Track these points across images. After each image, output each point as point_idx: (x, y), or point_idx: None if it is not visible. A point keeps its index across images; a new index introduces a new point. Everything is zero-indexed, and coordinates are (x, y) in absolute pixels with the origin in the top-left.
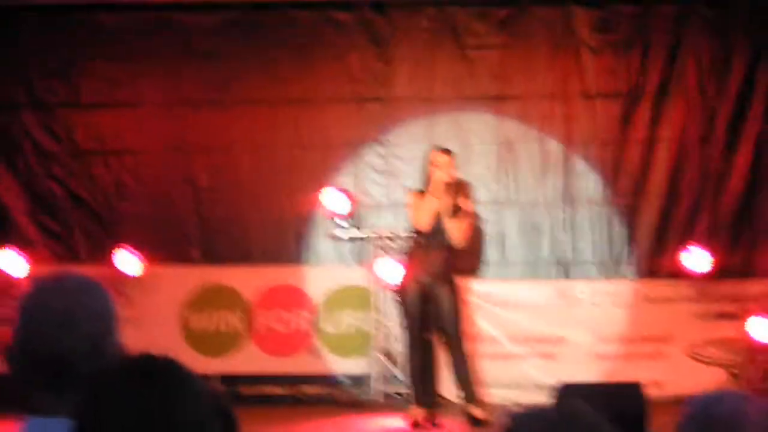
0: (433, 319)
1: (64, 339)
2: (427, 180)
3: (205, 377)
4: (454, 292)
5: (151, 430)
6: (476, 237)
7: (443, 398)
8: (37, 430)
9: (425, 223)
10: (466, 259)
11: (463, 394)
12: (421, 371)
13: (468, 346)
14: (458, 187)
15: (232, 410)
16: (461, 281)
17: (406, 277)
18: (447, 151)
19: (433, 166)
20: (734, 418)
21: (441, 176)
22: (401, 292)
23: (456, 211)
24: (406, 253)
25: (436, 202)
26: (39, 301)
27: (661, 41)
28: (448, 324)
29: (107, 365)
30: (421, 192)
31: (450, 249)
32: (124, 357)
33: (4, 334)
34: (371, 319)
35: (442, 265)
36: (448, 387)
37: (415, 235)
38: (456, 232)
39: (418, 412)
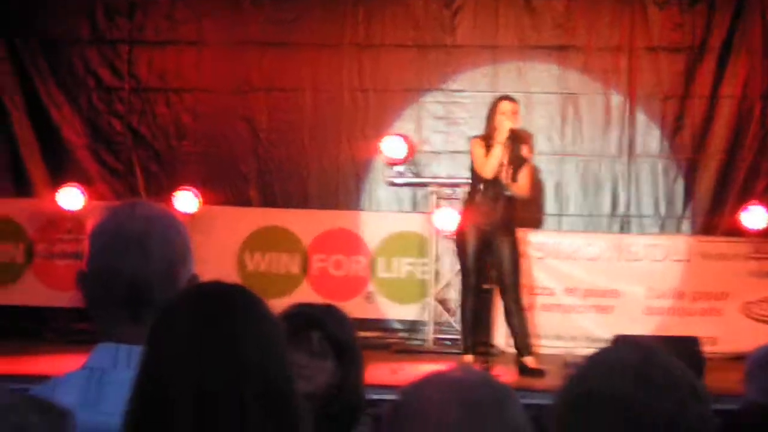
0: (492, 269)
1: (139, 264)
2: (490, 127)
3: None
4: (514, 243)
5: (222, 352)
6: (537, 189)
7: (497, 347)
8: (108, 355)
9: (490, 172)
10: (528, 210)
11: (517, 345)
12: (474, 319)
13: (524, 298)
14: (522, 137)
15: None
16: (521, 233)
17: (465, 224)
18: (513, 100)
19: (498, 114)
20: None
21: (508, 125)
22: (460, 239)
23: (521, 161)
24: (466, 201)
25: (502, 151)
26: (114, 228)
27: None
28: (507, 275)
29: (179, 292)
30: (483, 139)
31: (512, 199)
32: (195, 284)
33: (66, 268)
34: (427, 266)
35: (504, 215)
36: (501, 336)
37: (477, 183)
38: (520, 182)
39: (470, 360)
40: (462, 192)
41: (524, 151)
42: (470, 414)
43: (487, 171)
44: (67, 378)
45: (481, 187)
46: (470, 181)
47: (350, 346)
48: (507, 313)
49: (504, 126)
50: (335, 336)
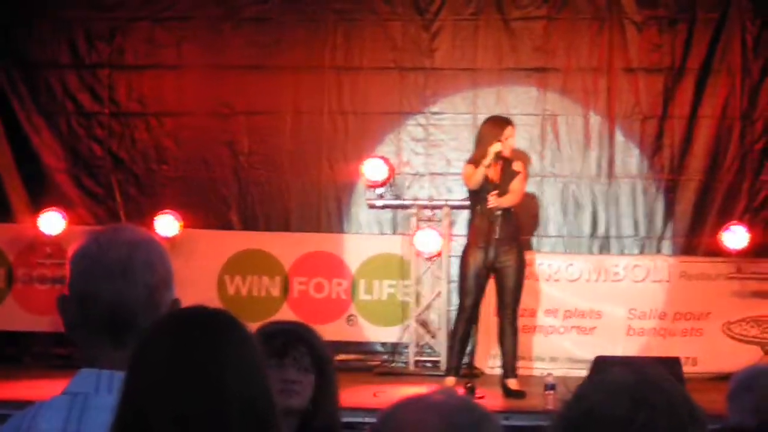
0: (497, 288)
1: (121, 289)
2: (483, 149)
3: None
4: (520, 263)
5: (202, 377)
6: (534, 204)
7: (479, 369)
8: (89, 380)
9: (474, 184)
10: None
11: (503, 366)
12: (463, 342)
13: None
14: (515, 156)
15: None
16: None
17: (468, 245)
18: (511, 123)
19: (504, 138)
20: None
21: (496, 147)
22: (463, 260)
23: (511, 175)
24: (469, 222)
25: (484, 170)
26: (96, 252)
27: (705, 18)
28: (508, 293)
29: (161, 317)
30: (473, 161)
31: (514, 218)
32: (176, 309)
33: (46, 292)
34: (408, 288)
35: (505, 232)
36: (484, 358)
37: (474, 205)
38: (513, 187)
39: (452, 382)
40: (442, 214)
41: (516, 166)
42: None
43: (471, 183)
44: (50, 403)
45: (479, 208)
46: (469, 202)
47: (330, 360)
48: (501, 333)
49: (493, 148)
50: (318, 351)
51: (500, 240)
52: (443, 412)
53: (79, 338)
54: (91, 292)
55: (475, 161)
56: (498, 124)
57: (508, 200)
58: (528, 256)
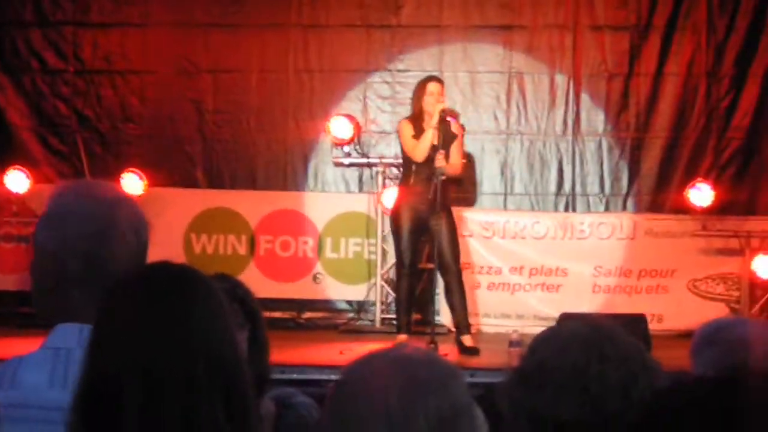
0: (432, 249)
1: (102, 243)
2: (417, 108)
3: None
4: (451, 222)
5: (169, 332)
6: (470, 167)
7: (443, 326)
8: (71, 335)
9: (421, 156)
10: (462, 189)
11: (455, 323)
12: (408, 298)
13: (467, 276)
14: (450, 115)
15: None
16: (459, 211)
17: (400, 205)
18: (439, 80)
19: (426, 95)
20: (747, 340)
21: (438, 106)
22: (395, 219)
23: (452, 138)
24: (400, 182)
25: (433, 133)
26: (73, 206)
27: None
28: (446, 254)
29: (127, 273)
30: (412, 120)
31: (447, 179)
32: (141, 265)
33: (12, 251)
34: (374, 246)
35: (438, 195)
36: (447, 315)
37: (409, 165)
38: (452, 160)
39: (403, 339)
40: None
41: (454, 128)
42: (414, 391)
43: (418, 155)
44: (29, 357)
45: (414, 168)
46: (402, 161)
47: (260, 313)
48: (447, 292)
49: (434, 107)
50: (249, 306)
51: (432, 200)
52: (408, 367)
53: (57, 294)
54: (70, 246)
55: (411, 120)
56: (421, 82)
57: (451, 170)
58: (493, 213)
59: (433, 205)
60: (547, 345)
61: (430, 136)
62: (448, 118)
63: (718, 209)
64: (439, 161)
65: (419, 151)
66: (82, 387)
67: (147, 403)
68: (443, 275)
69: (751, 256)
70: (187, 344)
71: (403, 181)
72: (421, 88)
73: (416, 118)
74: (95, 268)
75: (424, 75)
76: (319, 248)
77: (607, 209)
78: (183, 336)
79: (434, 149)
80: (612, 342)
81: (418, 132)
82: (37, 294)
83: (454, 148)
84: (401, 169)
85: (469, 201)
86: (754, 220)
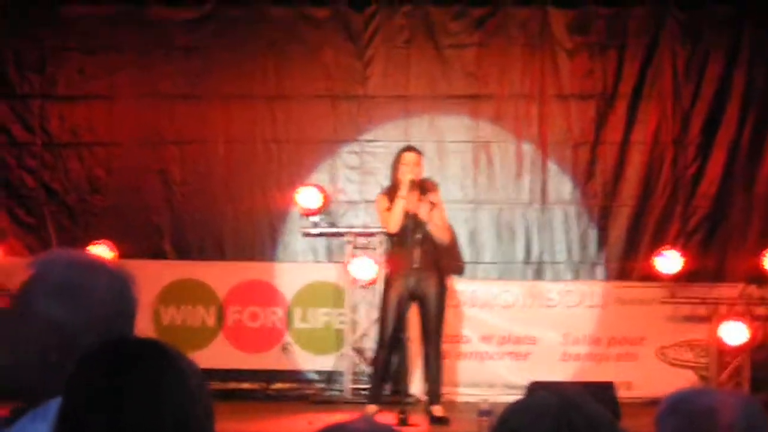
0: (420, 315)
1: (119, 317)
2: (395, 179)
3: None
4: (441, 290)
5: (137, 408)
6: (454, 235)
7: (413, 396)
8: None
9: (395, 227)
10: (449, 257)
11: (428, 392)
12: (385, 370)
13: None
14: (427, 187)
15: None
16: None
17: (388, 275)
18: (416, 150)
19: (401, 165)
20: (711, 411)
21: (408, 176)
22: (384, 289)
23: (431, 207)
24: (386, 253)
25: (404, 203)
26: (87, 278)
27: (636, 44)
28: (431, 320)
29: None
30: (388, 193)
31: (433, 244)
32: (109, 339)
33: None
34: (343, 316)
35: (426, 261)
36: (418, 385)
37: (391, 235)
38: (436, 225)
39: (374, 410)
40: (377, 241)
41: (432, 198)
42: None
43: (391, 226)
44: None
45: (395, 239)
46: (385, 233)
47: None
48: (425, 359)
49: (405, 178)
50: None
51: (420, 268)
52: None
53: (58, 367)
54: (84, 319)
55: (387, 193)
56: (399, 152)
57: (436, 232)
58: (463, 282)
59: (420, 270)
60: (518, 416)
61: (400, 207)
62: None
63: (686, 276)
64: (422, 215)
65: (392, 222)
66: None
67: None
68: (424, 343)
69: (719, 322)
70: (155, 421)
71: (388, 253)
72: (397, 158)
73: (393, 189)
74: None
75: (391, 145)
76: (288, 318)
77: (575, 277)
78: (151, 413)
79: (412, 217)
80: (582, 413)
81: (393, 203)
82: (26, 368)
83: (437, 215)
84: (387, 241)
85: (455, 269)
86: (722, 287)
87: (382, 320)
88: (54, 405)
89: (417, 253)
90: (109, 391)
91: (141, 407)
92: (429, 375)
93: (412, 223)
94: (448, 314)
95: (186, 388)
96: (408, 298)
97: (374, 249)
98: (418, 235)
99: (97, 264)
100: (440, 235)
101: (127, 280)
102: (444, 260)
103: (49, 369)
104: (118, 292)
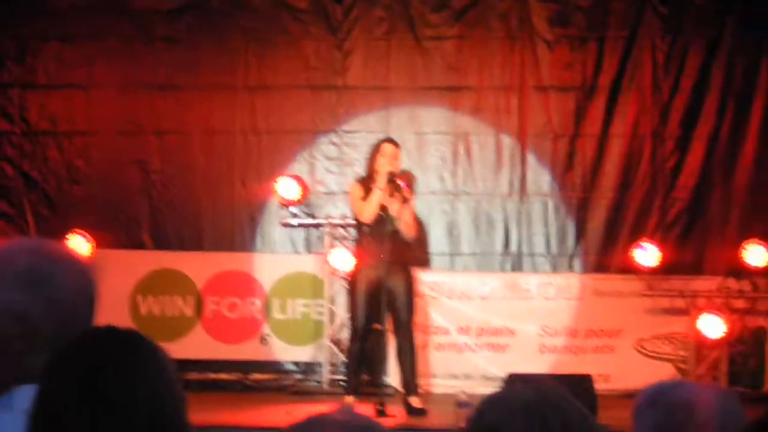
0: (387, 308)
1: (79, 304)
2: (371, 170)
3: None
4: (410, 281)
5: (112, 401)
6: (423, 228)
7: (391, 387)
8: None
9: (369, 217)
10: (415, 250)
11: (403, 383)
12: (358, 361)
13: (417, 337)
14: (404, 178)
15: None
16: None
17: (356, 266)
18: (394, 143)
19: (379, 156)
20: (689, 404)
21: (387, 168)
22: (351, 281)
23: (403, 201)
24: (356, 243)
25: (381, 194)
26: (45, 266)
27: (616, 36)
28: (401, 312)
29: (72, 338)
30: (363, 182)
31: (400, 237)
32: (87, 330)
33: None
34: (322, 307)
35: (395, 254)
36: (395, 376)
37: (362, 225)
38: (405, 222)
39: (351, 401)
40: (352, 233)
41: (405, 192)
42: None
43: (366, 216)
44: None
45: (366, 229)
46: (356, 223)
47: None
48: (399, 351)
49: (383, 169)
50: None
51: (389, 260)
52: None
53: (19, 357)
54: (44, 309)
55: (361, 182)
56: (377, 143)
57: (404, 228)
58: (441, 274)
59: (388, 264)
60: (494, 409)
61: (377, 198)
62: (399, 182)
63: (664, 269)
64: (392, 210)
65: (366, 211)
66: None
67: None
68: (396, 335)
69: (697, 315)
70: (129, 413)
71: (357, 243)
72: (375, 149)
73: (368, 179)
74: (67, 332)
75: (370, 136)
76: (267, 309)
77: (553, 269)
78: (126, 405)
79: (383, 210)
80: (556, 408)
81: (368, 193)
82: None
83: (407, 212)
84: (356, 231)
85: (421, 262)
86: (700, 280)
87: (352, 311)
88: (18, 394)
89: (387, 246)
90: (84, 382)
91: (116, 397)
92: (404, 367)
93: (384, 215)
94: (426, 305)
95: (161, 377)
96: (378, 288)
97: (353, 240)
98: (390, 227)
99: (59, 253)
100: (409, 233)
101: (88, 268)
102: (411, 252)
103: (12, 358)
104: (80, 281)
